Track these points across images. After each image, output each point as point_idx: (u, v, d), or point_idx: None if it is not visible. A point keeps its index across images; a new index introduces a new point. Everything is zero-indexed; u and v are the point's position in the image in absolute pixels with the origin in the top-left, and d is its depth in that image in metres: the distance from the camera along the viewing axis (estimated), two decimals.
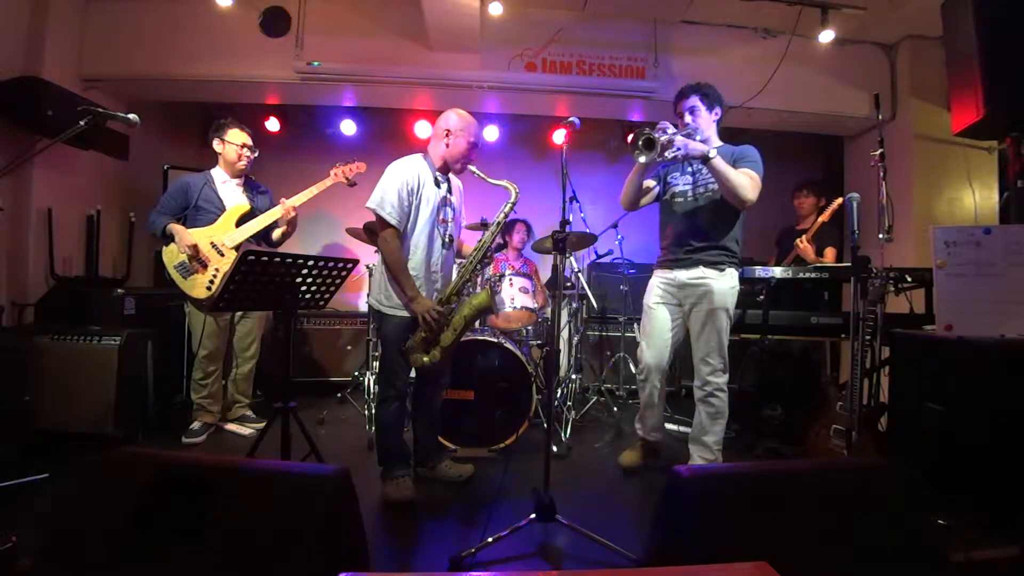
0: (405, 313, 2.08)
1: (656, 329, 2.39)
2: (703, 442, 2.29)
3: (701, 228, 2.29)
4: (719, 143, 2.31)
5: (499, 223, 2.14)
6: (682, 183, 2.38)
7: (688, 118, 2.29)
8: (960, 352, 2.00)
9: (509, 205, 2.14)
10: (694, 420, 2.35)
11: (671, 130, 2.09)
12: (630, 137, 2.07)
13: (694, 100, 2.28)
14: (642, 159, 2.05)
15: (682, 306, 2.35)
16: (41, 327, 2.71)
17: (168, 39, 3.36)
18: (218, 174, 2.81)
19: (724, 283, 2.25)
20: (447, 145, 2.14)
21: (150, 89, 3.62)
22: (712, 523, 1.01)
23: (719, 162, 2.09)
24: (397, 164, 2.09)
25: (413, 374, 2.23)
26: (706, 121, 2.28)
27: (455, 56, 3.47)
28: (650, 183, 2.46)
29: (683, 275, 2.31)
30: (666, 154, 2.07)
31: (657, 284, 2.43)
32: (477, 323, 2.76)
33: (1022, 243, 2.04)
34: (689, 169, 2.36)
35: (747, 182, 2.13)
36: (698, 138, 2.23)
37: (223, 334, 2.81)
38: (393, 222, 2.02)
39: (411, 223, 2.08)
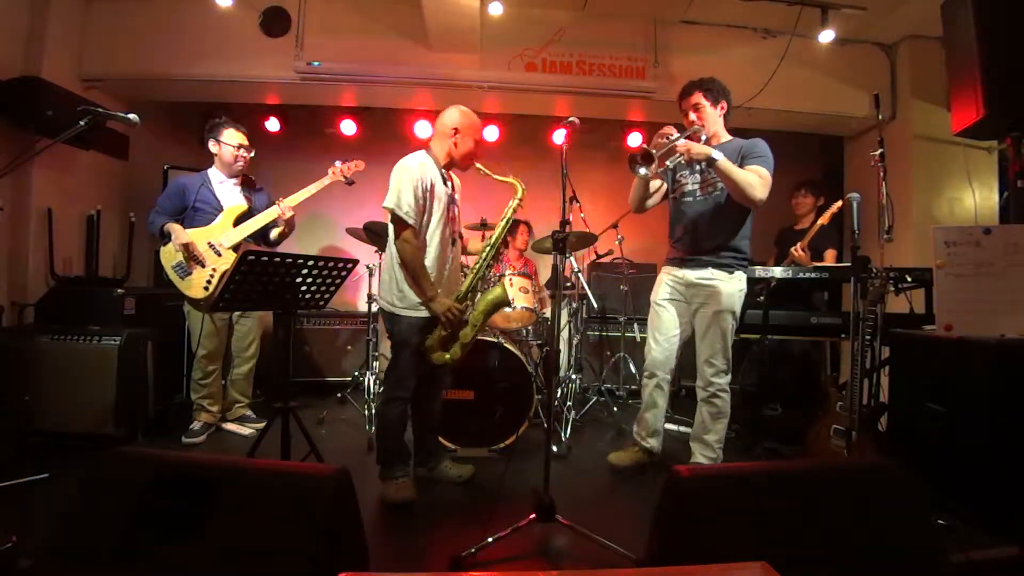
0: (420, 313, 2.04)
1: (664, 326, 2.39)
2: (705, 440, 2.28)
3: (711, 228, 2.26)
4: (727, 137, 2.30)
5: (508, 219, 2.12)
6: (691, 182, 2.34)
7: (692, 116, 2.28)
8: (960, 352, 2.00)
9: (516, 201, 2.12)
10: (695, 419, 2.34)
11: (674, 134, 2.07)
12: (630, 154, 2.04)
13: (697, 97, 2.26)
14: (641, 171, 2.02)
15: (689, 304, 2.34)
16: (41, 327, 2.71)
17: (168, 39, 3.36)
18: (215, 174, 2.80)
19: (732, 285, 2.22)
20: (455, 144, 2.10)
21: (150, 89, 3.62)
22: (712, 523, 1.01)
23: (724, 163, 2.06)
24: (407, 162, 2.04)
25: None
26: (711, 117, 2.26)
27: (455, 56, 3.47)
28: (656, 183, 2.43)
29: (692, 275, 2.29)
30: (667, 163, 2.06)
31: (666, 281, 2.41)
32: None
33: (1022, 243, 2.03)
34: (697, 167, 2.33)
35: (756, 181, 2.07)
36: (703, 137, 2.20)
37: (221, 334, 2.81)
38: (411, 222, 1.98)
39: (425, 222, 2.05)
